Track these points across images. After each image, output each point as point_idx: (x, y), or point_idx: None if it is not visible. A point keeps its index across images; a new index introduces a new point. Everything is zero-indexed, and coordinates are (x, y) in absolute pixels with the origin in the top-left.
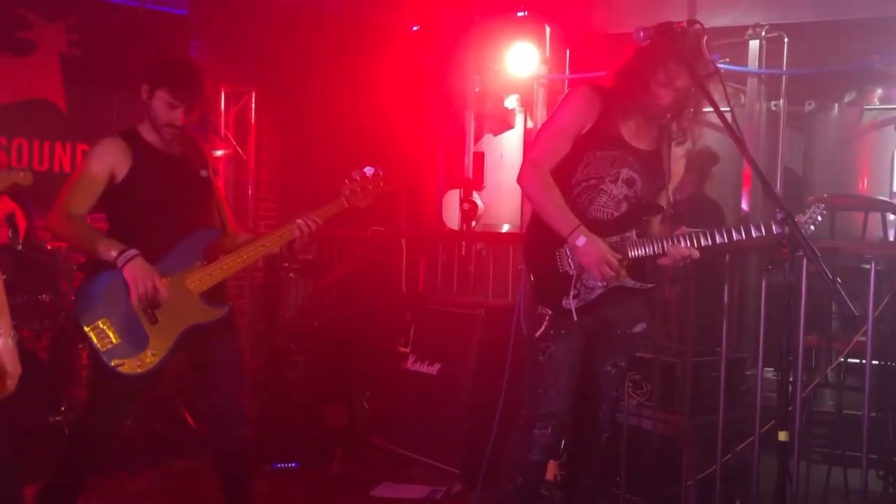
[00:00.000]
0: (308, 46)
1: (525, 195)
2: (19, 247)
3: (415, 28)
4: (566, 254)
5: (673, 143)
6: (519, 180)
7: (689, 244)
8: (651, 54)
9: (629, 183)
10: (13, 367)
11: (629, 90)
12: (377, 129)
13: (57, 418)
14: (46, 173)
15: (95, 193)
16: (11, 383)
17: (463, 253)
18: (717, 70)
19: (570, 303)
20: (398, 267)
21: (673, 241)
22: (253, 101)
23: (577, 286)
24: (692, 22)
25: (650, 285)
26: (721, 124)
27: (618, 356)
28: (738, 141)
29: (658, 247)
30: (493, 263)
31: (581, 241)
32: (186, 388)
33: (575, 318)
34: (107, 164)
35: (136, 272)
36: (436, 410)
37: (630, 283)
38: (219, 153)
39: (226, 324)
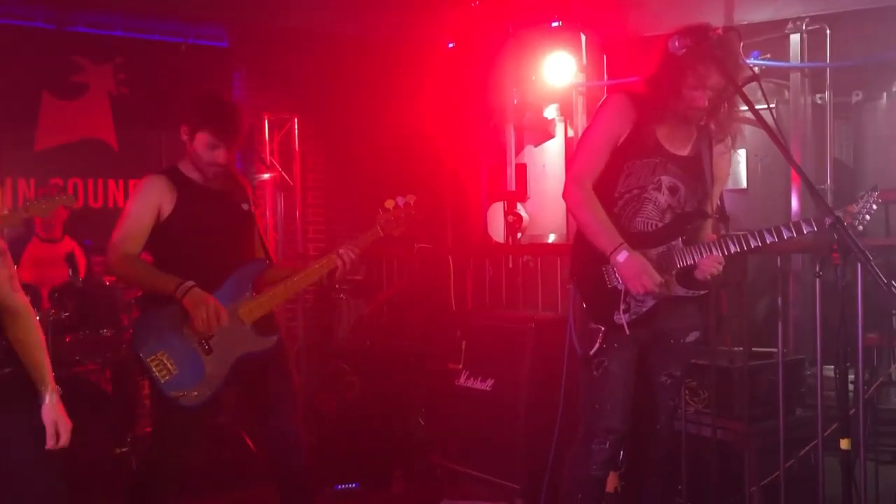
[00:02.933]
0: (347, 70)
1: (569, 212)
2: (80, 284)
3: (450, 45)
4: (612, 269)
5: (714, 144)
6: (564, 198)
7: (718, 252)
8: (679, 58)
9: (672, 191)
10: (62, 422)
11: (661, 97)
12: (419, 147)
13: (123, 450)
14: (101, 210)
15: (145, 231)
16: (65, 437)
17: (510, 266)
18: (754, 74)
19: (622, 318)
20: (446, 283)
21: (706, 255)
22: (296, 126)
23: (627, 300)
24: (728, 29)
25: (701, 292)
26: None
27: (673, 366)
28: (779, 142)
29: (699, 256)
30: (541, 275)
31: (622, 256)
32: (245, 416)
33: (627, 333)
34: (152, 202)
35: (196, 300)
36: (492, 426)
37: (681, 291)
38: (265, 177)
39: (276, 352)
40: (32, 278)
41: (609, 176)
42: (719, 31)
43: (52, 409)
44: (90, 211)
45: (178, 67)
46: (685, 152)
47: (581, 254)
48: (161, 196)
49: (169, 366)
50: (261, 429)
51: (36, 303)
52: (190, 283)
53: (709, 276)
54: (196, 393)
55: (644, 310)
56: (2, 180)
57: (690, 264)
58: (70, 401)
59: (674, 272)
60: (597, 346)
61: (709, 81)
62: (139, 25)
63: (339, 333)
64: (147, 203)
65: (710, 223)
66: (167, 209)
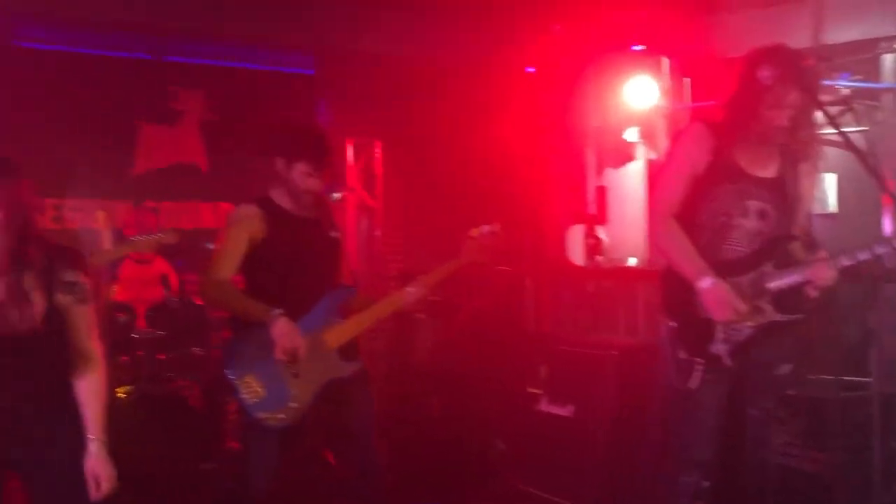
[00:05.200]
0: (428, 95)
1: (655, 247)
2: (175, 304)
3: (530, 70)
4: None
5: (797, 163)
6: (648, 231)
7: (830, 266)
8: (756, 81)
9: (761, 215)
10: (105, 471)
11: (740, 119)
12: (498, 170)
13: (209, 465)
14: (192, 231)
15: (238, 259)
16: (106, 486)
17: (589, 289)
18: (843, 97)
19: (720, 348)
20: (525, 305)
21: (814, 267)
22: (377, 150)
23: (724, 330)
24: (820, 58)
25: (798, 317)
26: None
27: (764, 399)
28: (867, 165)
29: (800, 275)
30: (621, 299)
31: (706, 283)
32: (327, 436)
33: (729, 364)
34: (245, 231)
35: (282, 330)
36: (573, 452)
37: (777, 317)
38: (336, 196)
39: (359, 378)
40: (128, 298)
41: (693, 205)
42: (809, 61)
43: (95, 460)
44: (181, 232)
45: (265, 94)
46: (769, 174)
47: (672, 286)
48: (253, 224)
49: (257, 388)
50: (342, 450)
51: (132, 322)
52: (278, 311)
53: (820, 289)
54: (282, 415)
55: (741, 339)
56: (104, 202)
57: (786, 287)
58: (162, 416)
59: (767, 298)
60: (698, 379)
61: (787, 100)
62: (229, 54)
63: (417, 353)
64: (240, 231)
65: (800, 245)
66: (259, 237)
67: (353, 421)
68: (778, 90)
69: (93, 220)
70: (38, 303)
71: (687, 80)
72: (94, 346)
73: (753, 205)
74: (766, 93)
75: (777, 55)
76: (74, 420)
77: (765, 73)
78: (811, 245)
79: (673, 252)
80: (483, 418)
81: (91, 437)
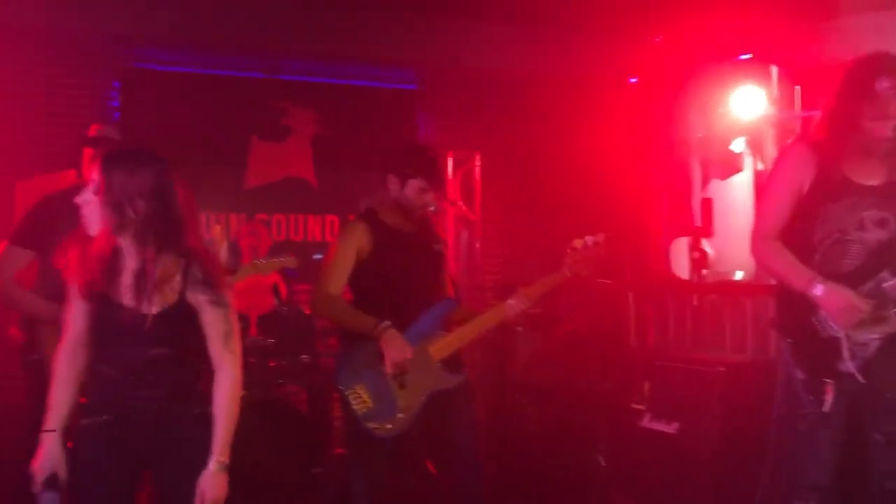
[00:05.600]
0: (528, 107)
1: (761, 268)
2: (286, 312)
3: (632, 80)
4: (823, 317)
5: None
6: (752, 255)
7: None
8: (858, 91)
9: (881, 224)
10: (212, 492)
11: (842, 133)
12: (599, 182)
13: (319, 470)
14: (301, 243)
15: (346, 273)
16: None
17: (695, 304)
18: None
19: (849, 365)
20: (626, 320)
21: None
22: (478, 163)
23: (850, 345)
24: None
25: None
26: None
27: (887, 423)
28: None
29: None
30: (729, 315)
31: (819, 290)
32: (429, 446)
33: (862, 381)
34: (353, 246)
35: (391, 343)
36: (677, 470)
37: None
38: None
39: (463, 390)
40: (241, 307)
41: (805, 226)
42: None
43: (210, 479)
44: (291, 244)
45: (371, 109)
46: (879, 181)
47: (788, 305)
48: (360, 240)
49: (366, 399)
50: (444, 460)
51: (245, 330)
52: (386, 323)
53: None
54: (390, 426)
55: (868, 354)
56: (218, 215)
57: None
58: (272, 422)
59: (891, 306)
60: (830, 401)
61: (890, 108)
62: (338, 71)
63: (515, 366)
64: (348, 247)
65: None
66: (366, 251)
67: (456, 432)
68: (882, 100)
69: (210, 233)
70: (170, 295)
71: (798, 88)
72: (228, 357)
73: (870, 215)
74: (869, 103)
75: (881, 63)
76: (209, 427)
77: (868, 83)
78: None
79: (778, 268)
80: (583, 433)
81: (212, 454)
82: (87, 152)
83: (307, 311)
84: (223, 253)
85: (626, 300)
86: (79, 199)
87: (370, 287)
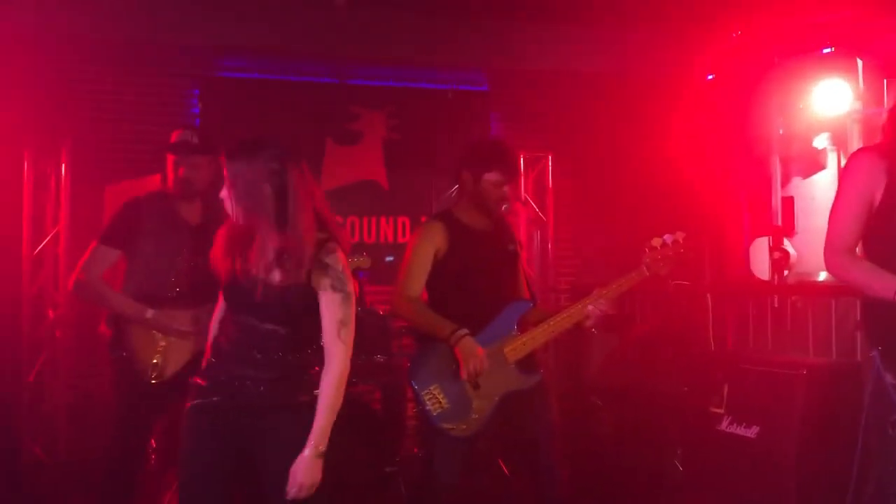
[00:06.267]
0: (602, 106)
1: (839, 281)
2: (358, 313)
3: (710, 77)
4: None
5: None
6: (828, 270)
7: None
8: None
9: None
10: (305, 477)
11: None
12: (675, 181)
13: (392, 469)
14: (374, 244)
15: (425, 274)
16: (298, 491)
17: (776, 306)
18: None
19: None
20: (704, 322)
21: None
22: (550, 164)
23: None
24: None
25: None
26: None
27: None
28: None
29: None
30: (811, 317)
31: None
32: (505, 447)
33: None
34: (431, 246)
35: (467, 351)
36: (756, 476)
37: None
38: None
39: (538, 390)
40: None
41: (887, 231)
42: None
43: (304, 463)
44: (364, 246)
45: (442, 112)
46: None
47: (875, 315)
48: (437, 240)
49: (441, 399)
50: (522, 462)
51: None
52: (463, 331)
53: None
54: (465, 426)
55: None
56: None
57: None
58: (347, 420)
59: None
60: None
61: None
62: (408, 75)
63: (590, 368)
64: (426, 247)
65: None
66: (442, 251)
67: (533, 432)
68: None
69: None
70: (295, 274)
71: (886, 82)
72: (337, 346)
73: None
74: None
75: None
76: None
77: None
78: None
79: (859, 278)
80: (659, 436)
81: (310, 440)
82: (170, 157)
83: (381, 312)
84: None
85: (704, 302)
86: (221, 194)
87: (447, 286)
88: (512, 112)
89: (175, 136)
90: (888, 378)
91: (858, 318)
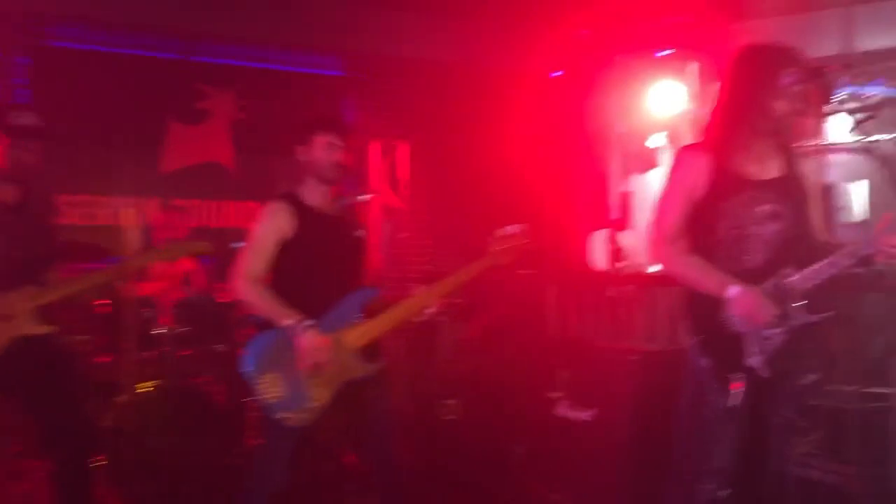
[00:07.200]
0: (454, 98)
1: (665, 271)
2: (197, 301)
3: (555, 74)
4: (730, 314)
5: (798, 160)
6: (654, 259)
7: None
8: (755, 84)
9: (774, 217)
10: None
11: (736, 129)
12: (522, 174)
13: (231, 461)
14: (219, 230)
15: (268, 255)
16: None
17: (611, 295)
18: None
19: (755, 360)
20: (546, 311)
21: (858, 246)
22: (404, 152)
23: (756, 340)
24: (845, 65)
25: (827, 314)
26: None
27: (786, 408)
28: (890, 170)
29: (830, 266)
30: (642, 306)
31: (733, 292)
32: (348, 435)
33: (766, 375)
34: (275, 227)
35: (309, 342)
36: (593, 457)
37: (806, 318)
38: (368, 198)
39: (379, 378)
40: (154, 293)
41: (706, 224)
42: (835, 68)
43: None
44: (209, 231)
45: (294, 95)
46: (772, 175)
47: (695, 306)
48: (283, 222)
49: (277, 387)
50: (362, 449)
51: (157, 318)
52: (308, 322)
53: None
54: (302, 415)
55: (773, 346)
56: (131, 200)
57: (809, 287)
58: (185, 412)
59: (793, 300)
60: (738, 396)
61: (794, 104)
62: (258, 55)
63: (438, 356)
64: (270, 229)
65: (821, 241)
66: (288, 234)
67: (371, 420)
68: (787, 92)
69: (122, 218)
70: None
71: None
72: None
73: (764, 209)
74: (772, 95)
75: (784, 56)
76: None
77: (771, 75)
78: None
79: (688, 272)
80: (503, 422)
81: None
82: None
83: (225, 300)
84: (136, 240)
85: (546, 291)
86: None
87: (290, 271)
88: (367, 99)
89: (11, 116)
90: (704, 363)
91: (680, 308)
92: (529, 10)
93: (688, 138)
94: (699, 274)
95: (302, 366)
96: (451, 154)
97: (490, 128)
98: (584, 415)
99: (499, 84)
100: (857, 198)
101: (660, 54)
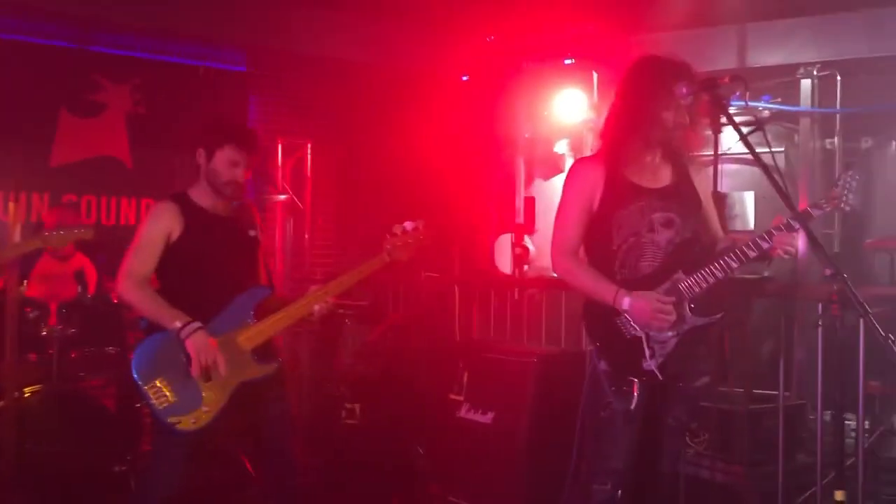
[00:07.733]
0: (362, 98)
1: (566, 282)
2: (88, 301)
3: (464, 78)
4: (626, 319)
5: (688, 166)
6: (553, 270)
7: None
8: (648, 95)
9: (668, 224)
10: None
11: (629, 137)
12: (429, 177)
13: (122, 468)
14: (114, 227)
15: (155, 256)
16: None
17: (516, 298)
18: (757, 119)
19: (651, 363)
20: (452, 313)
21: (744, 248)
22: (309, 152)
23: (651, 345)
24: (735, 77)
25: (718, 316)
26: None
27: (680, 410)
28: (777, 184)
29: (719, 269)
30: (545, 308)
31: (626, 302)
32: (242, 439)
33: (661, 378)
34: (162, 227)
35: (199, 345)
36: (492, 459)
37: (700, 321)
38: (276, 198)
39: (275, 379)
40: (41, 294)
41: (602, 234)
42: (727, 79)
43: None
44: (102, 228)
45: (194, 90)
46: (664, 183)
47: (592, 313)
48: (171, 222)
49: (167, 393)
50: (256, 453)
51: (44, 318)
52: (196, 324)
53: (785, 254)
54: (193, 420)
55: (668, 350)
56: (17, 194)
57: (703, 287)
58: (73, 416)
59: (686, 304)
60: (635, 399)
61: (685, 115)
62: (158, 47)
63: (341, 358)
64: (157, 229)
65: (715, 245)
66: (176, 235)
67: (266, 423)
68: (679, 104)
69: (3, 212)
70: None
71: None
72: None
73: (658, 217)
74: (665, 106)
75: (678, 69)
76: None
77: (664, 86)
78: (724, 244)
79: (583, 283)
80: (406, 425)
81: None
82: None
83: (116, 300)
84: (17, 234)
85: (452, 293)
86: None
87: (178, 271)
88: (272, 96)
89: None
90: (602, 366)
91: (580, 313)
92: (439, 13)
93: (587, 146)
94: (595, 285)
95: (193, 369)
96: (357, 154)
97: (398, 129)
98: (484, 417)
99: (408, 85)
100: (745, 207)
101: (564, 63)
